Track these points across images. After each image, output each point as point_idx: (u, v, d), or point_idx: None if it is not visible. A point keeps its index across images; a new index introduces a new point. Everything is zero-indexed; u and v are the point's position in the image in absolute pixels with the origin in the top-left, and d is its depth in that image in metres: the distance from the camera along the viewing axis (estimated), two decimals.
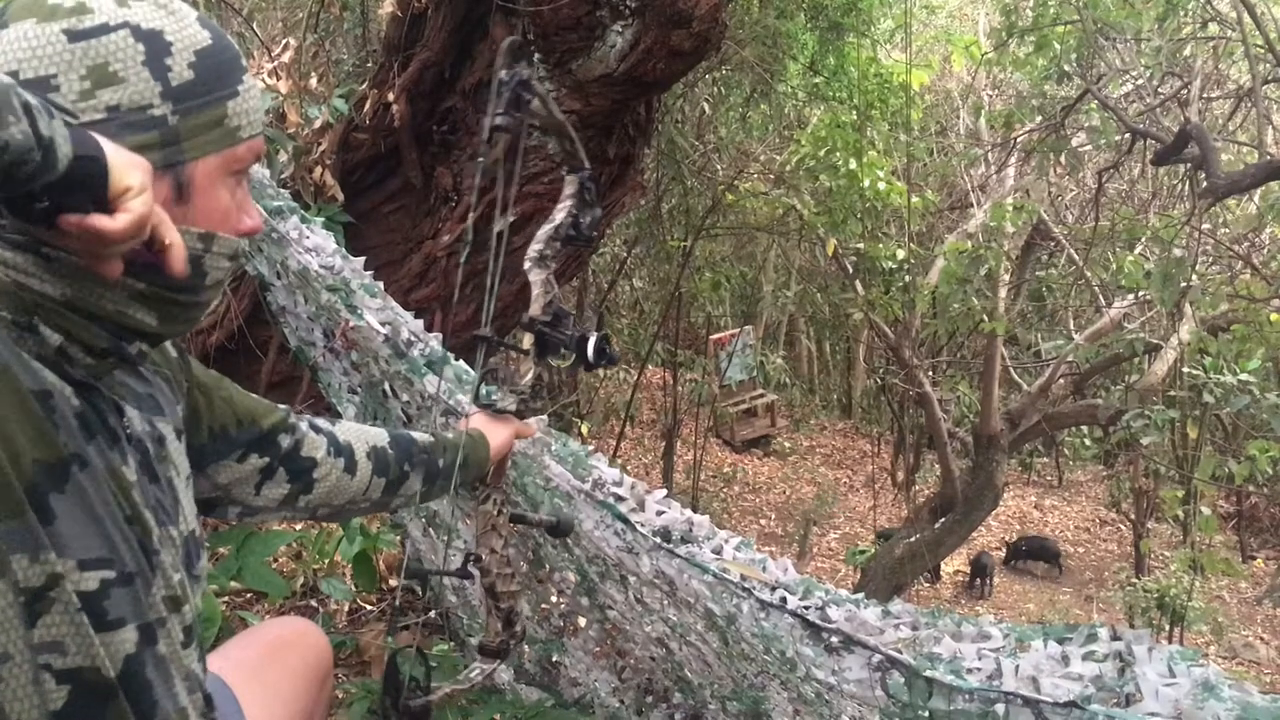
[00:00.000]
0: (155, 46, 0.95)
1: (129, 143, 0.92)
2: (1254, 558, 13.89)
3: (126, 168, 0.84)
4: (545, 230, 1.61)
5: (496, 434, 1.64)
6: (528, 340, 1.62)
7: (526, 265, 1.60)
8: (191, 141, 0.98)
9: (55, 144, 0.77)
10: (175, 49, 0.96)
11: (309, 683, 1.52)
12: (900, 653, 1.56)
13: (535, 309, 1.60)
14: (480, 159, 1.41)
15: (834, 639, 1.63)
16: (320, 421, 1.43)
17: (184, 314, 1.03)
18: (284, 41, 4.85)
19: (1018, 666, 1.56)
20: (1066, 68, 7.80)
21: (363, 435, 1.46)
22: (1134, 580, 11.28)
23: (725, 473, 15.57)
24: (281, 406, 1.37)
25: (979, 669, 1.58)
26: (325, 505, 1.41)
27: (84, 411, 0.94)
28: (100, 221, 0.83)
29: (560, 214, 1.62)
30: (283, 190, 2.63)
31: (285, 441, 1.34)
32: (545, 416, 2.17)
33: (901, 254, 9.68)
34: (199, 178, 1.00)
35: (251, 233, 1.07)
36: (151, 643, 0.98)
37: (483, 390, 1.69)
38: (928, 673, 1.50)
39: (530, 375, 1.65)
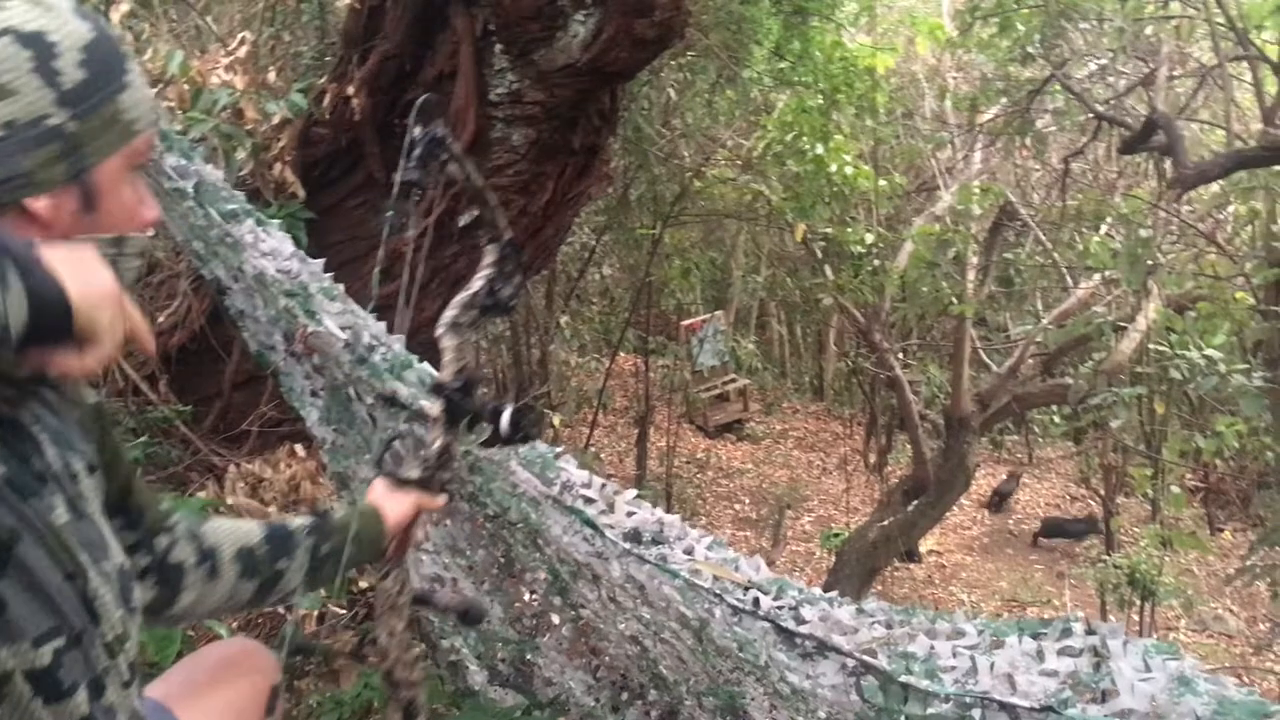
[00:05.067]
0: (41, 50, 0.89)
1: (31, 160, 0.88)
2: (1221, 530, 14.06)
3: (93, 308, 0.80)
4: (462, 297, 1.57)
5: (395, 506, 1.53)
6: (436, 407, 1.55)
7: (439, 331, 1.55)
8: (92, 145, 0.93)
9: (6, 317, 0.73)
10: (61, 49, 0.90)
11: (256, 704, 1.48)
12: (874, 656, 1.54)
13: (445, 374, 1.53)
14: (390, 213, 1.37)
15: (808, 644, 1.61)
16: (193, 522, 1.34)
17: None
18: (240, 35, 4.75)
19: (993, 664, 1.54)
20: (1030, 49, 7.82)
21: (233, 536, 1.35)
22: (1105, 557, 11.38)
23: (699, 458, 15.57)
24: (164, 502, 1.30)
25: (954, 667, 1.56)
26: (188, 615, 1.31)
27: (12, 476, 0.90)
28: (70, 364, 0.81)
29: (478, 283, 1.58)
30: (237, 192, 2.56)
31: (162, 543, 1.26)
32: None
33: (870, 238, 9.69)
34: (104, 181, 0.95)
35: (154, 223, 1.03)
36: (100, 695, 0.96)
37: (386, 457, 1.58)
38: (902, 678, 1.48)
39: (438, 444, 1.55)
